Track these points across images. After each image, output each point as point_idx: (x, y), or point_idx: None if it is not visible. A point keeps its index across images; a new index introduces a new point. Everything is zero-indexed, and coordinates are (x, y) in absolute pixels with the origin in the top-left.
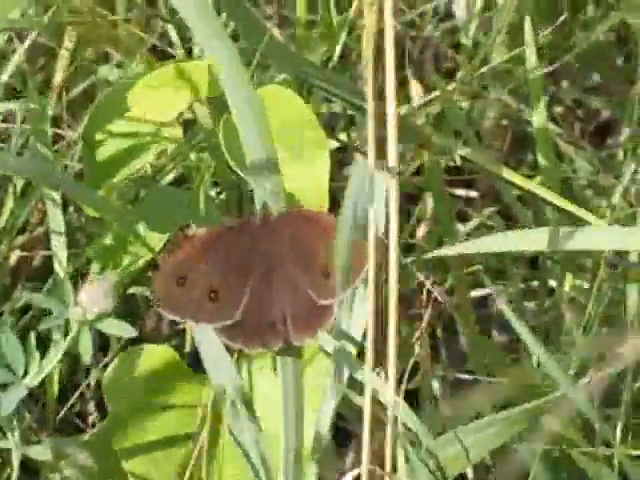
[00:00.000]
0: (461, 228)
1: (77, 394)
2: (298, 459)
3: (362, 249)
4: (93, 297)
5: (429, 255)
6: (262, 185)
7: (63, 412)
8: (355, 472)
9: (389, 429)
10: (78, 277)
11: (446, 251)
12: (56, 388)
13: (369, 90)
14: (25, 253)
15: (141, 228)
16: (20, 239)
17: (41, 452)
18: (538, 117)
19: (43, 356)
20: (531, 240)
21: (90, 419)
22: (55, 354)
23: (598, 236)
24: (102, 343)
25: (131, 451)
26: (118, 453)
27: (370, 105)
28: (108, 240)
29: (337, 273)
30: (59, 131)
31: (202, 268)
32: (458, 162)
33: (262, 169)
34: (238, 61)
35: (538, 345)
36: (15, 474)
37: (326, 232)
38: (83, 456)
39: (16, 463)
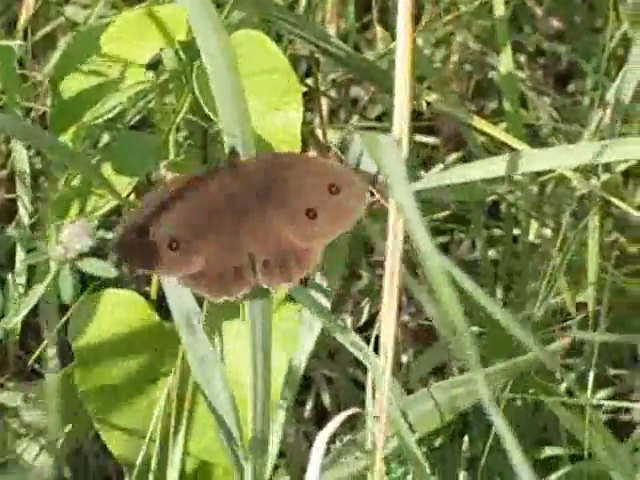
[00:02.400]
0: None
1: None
2: (266, 407)
3: (358, 192)
4: (75, 236)
5: None
6: (232, 132)
7: (22, 356)
8: None
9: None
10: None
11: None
12: (18, 332)
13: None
14: None
15: (107, 172)
16: None
17: (10, 397)
18: (504, 63)
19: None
20: (491, 168)
21: (50, 364)
22: (33, 296)
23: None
24: None
25: (95, 395)
26: (82, 396)
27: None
28: (71, 185)
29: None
30: (23, 72)
31: (164, 218)
32: (424, 107)
33: (232, 115)
34: (210, 5)
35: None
36: None
37: (310, 173)
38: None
39: None
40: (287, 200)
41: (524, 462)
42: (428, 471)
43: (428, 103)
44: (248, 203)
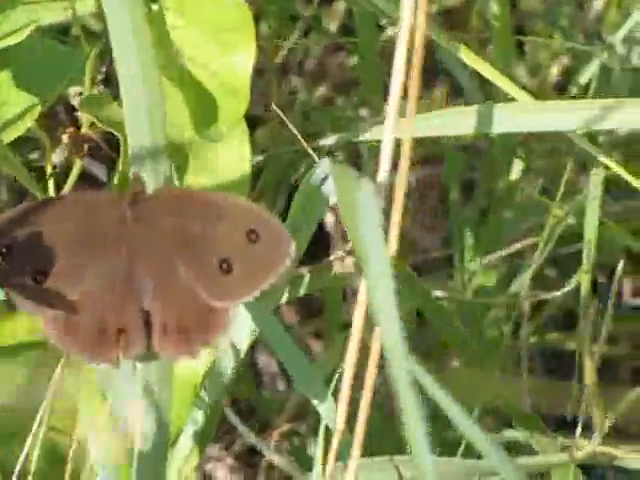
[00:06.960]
0: None
1: None
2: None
3: (282, 240)
4: None
5: None
6: (139, 150)
7: None
8: None
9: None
10: None
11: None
12: None
13: None
14: None
15: (7, 85)
16: None
17: None
18: None
19: None
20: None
21: None
22: None
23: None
24: None
25: None
26: None
27: None
28: None
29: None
30: None
31: (32, 239)
32: None
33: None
34: None
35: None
36: None
37: (226, 216)
38: None
39: None
40: (197, 248)
41: None
42: None
43: None
44: (148, 247)
